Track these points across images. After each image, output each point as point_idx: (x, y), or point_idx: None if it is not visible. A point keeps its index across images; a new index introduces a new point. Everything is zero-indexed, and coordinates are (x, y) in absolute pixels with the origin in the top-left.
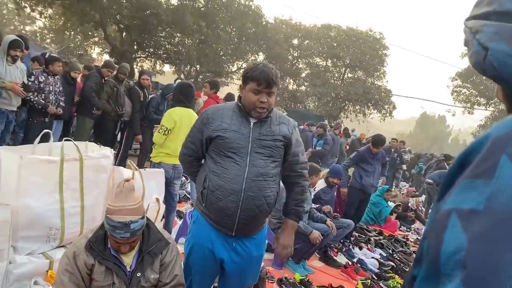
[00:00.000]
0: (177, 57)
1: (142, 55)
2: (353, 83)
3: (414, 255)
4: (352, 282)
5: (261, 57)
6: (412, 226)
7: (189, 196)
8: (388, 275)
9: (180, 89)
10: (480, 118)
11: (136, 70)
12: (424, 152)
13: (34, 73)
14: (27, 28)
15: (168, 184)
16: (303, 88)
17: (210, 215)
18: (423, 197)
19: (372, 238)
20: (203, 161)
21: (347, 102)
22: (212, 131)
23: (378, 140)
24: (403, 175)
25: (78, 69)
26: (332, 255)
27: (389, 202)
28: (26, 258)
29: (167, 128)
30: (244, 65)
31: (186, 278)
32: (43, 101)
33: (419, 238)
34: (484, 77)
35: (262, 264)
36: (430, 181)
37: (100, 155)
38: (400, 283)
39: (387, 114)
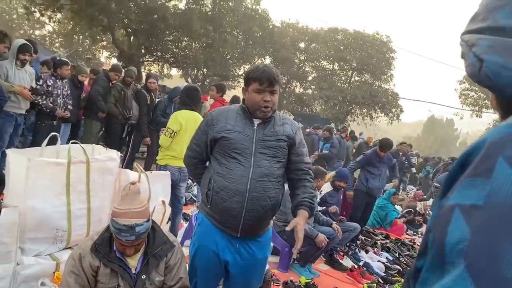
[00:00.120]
0: (184, 60)
1: (149, 59)
2: (360, 86)
3: None
4: (358, 285)
5: (267, 60)
6: (419, 230)
7: (195, 199)
8: (395, 278)
9: (187, 92)
10: (488, 122)
11: (143, 74)
12: (432, 156)
13: (43, 76)
14: (37, 32)
15: (174, 186)
16: (309, 91)
17: (215, 216)
18: (430, 201)
19: (378, 242)
20: (207, 163)
21: (354, 105)
22: (217, 132)
23: (385, 144)
24: (410, 179)
25: (85, 72)
26: (338, 258)
27: (396, 205)
28: (33, 259)
29: (173, 131)
30: None
31: (191, 280)
32: (51, 105)
33: None
34: None
35: (267, 266)
36: (437, 184)
37: (106, 157)
38: None
39: (394, 118)
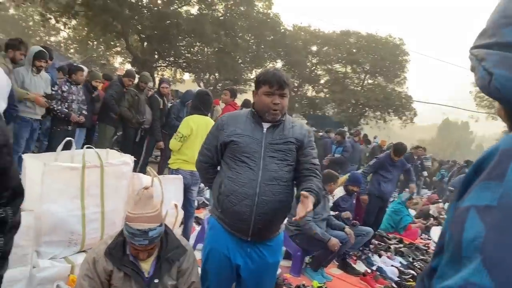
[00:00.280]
0: (197, 65)
1: (162, 64)
2: (373, 89)
3: None
4: None
5: (279, 64)
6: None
7: (207, 203)
8: (408, 283)
9: (198, 97)
10: (504, 124)
11: (157, 79)
12: (446, 159)
13: (58, 82)
14: (52, 38)
15: (186, 190)
16: (322, 94)
17: (226, 220)
18: (446, 205)
19: (392, 246)
20: (218, 168)
21: (367, 109)
22: (227, 136)
23: (400, 149)
24: (424, 183)
25: (99, 78)
26: (351, 262)
27: (410, 210)
28: (48, 262)
29: (182, 135)
30: None
31: (203, 284)
32: (66, 110)
33: None
34: None
35: (280, 271)
36: (452, 188)
37: (120, 162)
38: None
39: (408, 121)
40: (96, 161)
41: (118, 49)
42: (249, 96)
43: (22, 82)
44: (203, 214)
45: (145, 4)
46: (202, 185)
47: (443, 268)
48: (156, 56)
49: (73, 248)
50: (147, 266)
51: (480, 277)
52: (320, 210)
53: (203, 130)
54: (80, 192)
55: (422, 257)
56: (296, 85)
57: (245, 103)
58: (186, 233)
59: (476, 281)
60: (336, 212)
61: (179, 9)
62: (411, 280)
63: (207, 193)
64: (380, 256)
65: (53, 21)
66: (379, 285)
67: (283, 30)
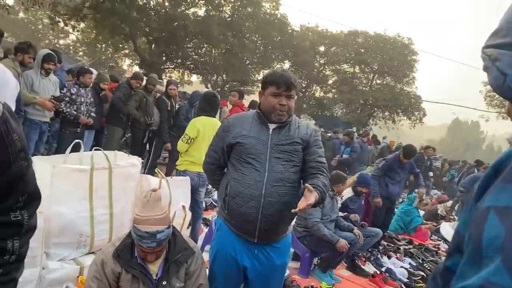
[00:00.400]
0: (204, 67)
1: (170, 66)
2: (382, 89)
3: None
4: None
5: (287, 64)
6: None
7: (215, 204)
8: (418, 285)
9: (205, 99)
10: None
11: (164, 81)
12: (457, 159)
13: (67, 85)
14: (61, 41)
15: (194, 191)
16: (330, 95)
17: (232, 221)
18: (449, 203)
19: (401, 247)
20: (225, 170)
21: (375, 109)
22: (232, 138)
23: (409, 152)
24: (434, 183)
25: (107, 80)
26: (360, 264)
27: (420, 210)
28: (58, 264)
29: (190, 137)
30: None
31: (210, 285)
32: (75, 112)
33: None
34: None
35: (288, 272)
36: (462, 189)
37: (128, 163)
38: None
39: (417, 121)
40: (104, 163)
41: (126, 51)
42: (256, 97)
43: (31, 85)
44: (211, 215)
45: (152, 7)
46: (210, 186)
47: (462, 267)
48: (164, 58)
49: (82, 249)
50: (155, 268)
51: (500, 277)
52: (329, 211)
53: (210, 132)
54: (88, 194)
55: (432, 258)
56: (304, 85)
57: (252, 104)
58: (194, 235)
59: (497, 281)
60: (345, 213)
61: (186, 11)
62: (420, 281)
63: (215, 195)
64: (389, 257)
65: (62, 24)
66: (388, 286)
67: (290, 31)
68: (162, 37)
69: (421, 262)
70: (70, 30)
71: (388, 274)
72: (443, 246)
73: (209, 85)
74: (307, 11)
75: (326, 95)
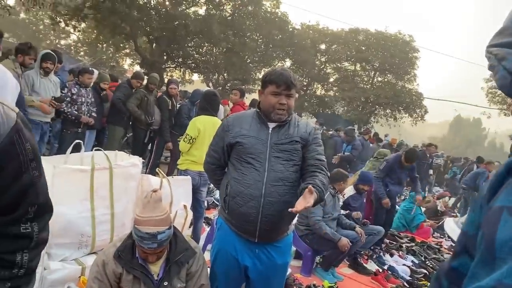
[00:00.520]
0: (205, 66)
1: (171, 65)
2: (383, 86)
3: None
4: None
5: (288, 63)
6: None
7: (217, 203)
8: (421, 282)
9: (205, 98)
10: None
11: (166, 80)
12: (458, 156)
13: (67, 85)
14: (62, 42)
15: (195, 191)
16: (331, 93)
17: (233, 221)
18: (447, 199)
19: (403, 245)
20: (226, 169)
21: (377, 106)
22: (232, 138)
23: (411, 157)
24: (436, 180)
25: (107, 80)
26: (362, 262)
27: (422, 208)
28: (59, 264)
29: (191, 137)
30: None
31: (212, 284)
32: (76, 112)
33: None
34: None
35: (290, 271)
36: (465, 186)
37: (129, 163)
38: None
39: (419, 118)
40: (105, 163)
41: (127, 51)
42: (257, 96)
43: (32, 85)
44: (213, 214)
45: (153, 6)
46: (211, 185)
47: (474, 268)
48: (165, 57)
49: (83, 249)
50: (156, 269)
51: None
52: (330, 209)
53: (211, 131)
54: (89, 194)
55: (434, 255)
56: (305, 84)
57: (253, 103)
58: (196, 234)
59: (509, 283)
60: (347, 211)
61: (187, 10)
62: (423, 279)
63: (217, 194)
64: (391, 255)
65: (62, 25)
66: (390, 284)
67: (291, 29)
68: (163, 36)
69: (423, 259)
70: (71, 30)
71: (390, 272)
72: (446, 244)
73: (210, 84)
74: (308, 9)
75: (327, 93)
